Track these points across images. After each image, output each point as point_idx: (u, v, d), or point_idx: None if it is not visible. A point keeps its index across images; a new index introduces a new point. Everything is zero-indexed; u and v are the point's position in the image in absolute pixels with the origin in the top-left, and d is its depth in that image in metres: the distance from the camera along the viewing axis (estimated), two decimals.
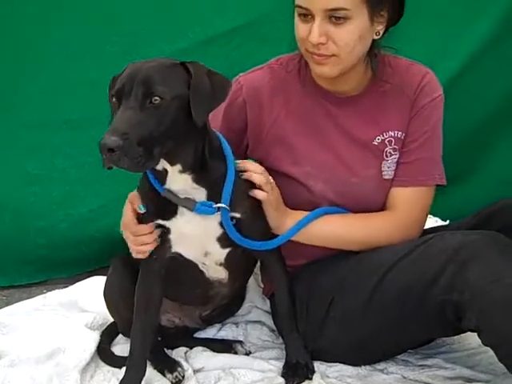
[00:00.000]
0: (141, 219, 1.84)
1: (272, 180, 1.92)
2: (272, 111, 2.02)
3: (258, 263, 2.17)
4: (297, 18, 1.89)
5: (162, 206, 1.81)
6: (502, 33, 2.86)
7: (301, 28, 1.88)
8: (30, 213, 2.79)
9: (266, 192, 1.88)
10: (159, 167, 1.72)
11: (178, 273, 1.92)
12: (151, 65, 1.66)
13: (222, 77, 1.76)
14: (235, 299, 2.26)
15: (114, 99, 1.64)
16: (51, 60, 2.69)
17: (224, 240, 1.87)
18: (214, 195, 1.79)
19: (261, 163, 2.06)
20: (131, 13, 2.72)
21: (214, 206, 1.78)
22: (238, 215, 1.84)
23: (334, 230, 1.99)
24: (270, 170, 2.01)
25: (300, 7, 1.85)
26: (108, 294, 2.11)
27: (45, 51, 2.68)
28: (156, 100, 1.61)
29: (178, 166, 1.72)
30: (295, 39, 1.95)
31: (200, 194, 1.78)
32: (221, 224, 1.83)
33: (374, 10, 1.85)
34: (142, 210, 1.82)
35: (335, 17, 1.81)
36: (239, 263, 1.98)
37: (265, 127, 2.02)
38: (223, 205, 1.78)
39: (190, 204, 1.77)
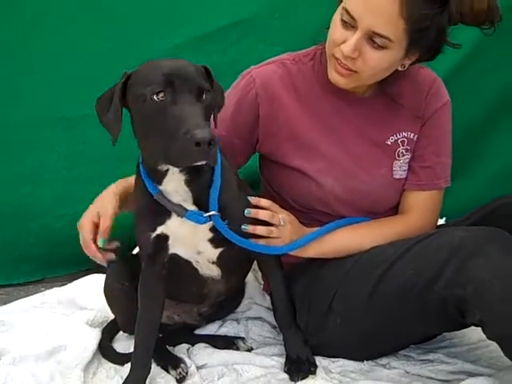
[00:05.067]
0: (140, 224, 1.85)
1: (282, 219, 1.91)
2: (285, 106, 2.00)
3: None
4: (337, 20, 1.85)
5: (156, 209, 1.79)
6: (501, 25, 2.87)
7: (338, 32, 1.85)
8: (25, 213, 2.76)
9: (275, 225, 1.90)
10: (165, 167, 1.71)
11: (174, 271, 1.92)
12: (187, 63, 1.66)
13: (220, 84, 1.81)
14: (233, 296, 2.25)
15: (156, 95, 1.59)
16: (44, 58, 2.66)
17: (216, 241, 1.86)
18: (199, 200, 1.78)
19: (270, 157, 2.07)
20: (126, 9, 2.69)
21: (205, 214, 1.77)
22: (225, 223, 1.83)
23: (348, 242, 2.00)
24: (280, 164, 2.03)
25: (348, 14, 1.80)
26: (108, 291, 2.11)
27: (38, 49, 2.65)
28: (205, 95, 1.63)
29: None
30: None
31: (187, 197, 1.77)
32: (211, 229, 1.82)
33: (411, 48, 1.84)
34: (101, 245, 1.87)
35: (375, 41, 1.79)
36: (232, 262, 1.97)
37: (277, 121, 2.00)
38: (214, 212, 1.77)
39: (181, 210, 1.77)
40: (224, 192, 1.80)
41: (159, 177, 1.75)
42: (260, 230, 1.88)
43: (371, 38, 1.79)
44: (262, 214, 1.88)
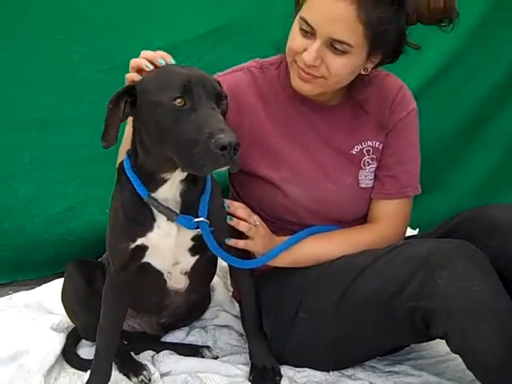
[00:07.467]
0: (118, 233, 1.80)
1: (257, 219, 1.92)
2: (251, 113, 2.00)
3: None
4: (296, 30, 1.85)
5: (139, 219, 1.77)
6: (472, 42, 2.91)
7: (297, 41, 1.85)
8: None
9: (250, 238, 1.90)
10: (167, 175, 1.70)
11: (139, 280, 1.90)
12: (201, 71, 1.65)
13: None
14: (194, 308, 2.23)
15: (174, 101, 1.56)
16: (17, 60, 2.66)
17: (194, 249, 1.85)
18: (186, 209, 1.77)
19: None
20: (100, 14, 2.70)
21: (195, 220, 1.76)
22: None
23: (318, 251, 1.99)
24: (248, 173, 2.03)
25: (306, 23, 1.80)
26: (65, 300, 2.09)
27: (11, 51, 2.65)
28: (223, 102, 1.64)
29: (184, 175, 1.70)
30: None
31: (176, 207, 1.76)
32: (192, 238, 1.82)
33: (373, 52, 1.84)
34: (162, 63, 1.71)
35: (336, 47, 1.79)
36: (202, 271, 1.97)
37: (243, 129, 1.98)
38: (203, 219, 1.76)
39: (172, 215, 1.75)
40: (211, 200, 1.80)
41: (155, 185, 1.73)
42: (241, 243, 1.88)
43: (332, 44, 1.79)
44: (242, 226, 1.88)
